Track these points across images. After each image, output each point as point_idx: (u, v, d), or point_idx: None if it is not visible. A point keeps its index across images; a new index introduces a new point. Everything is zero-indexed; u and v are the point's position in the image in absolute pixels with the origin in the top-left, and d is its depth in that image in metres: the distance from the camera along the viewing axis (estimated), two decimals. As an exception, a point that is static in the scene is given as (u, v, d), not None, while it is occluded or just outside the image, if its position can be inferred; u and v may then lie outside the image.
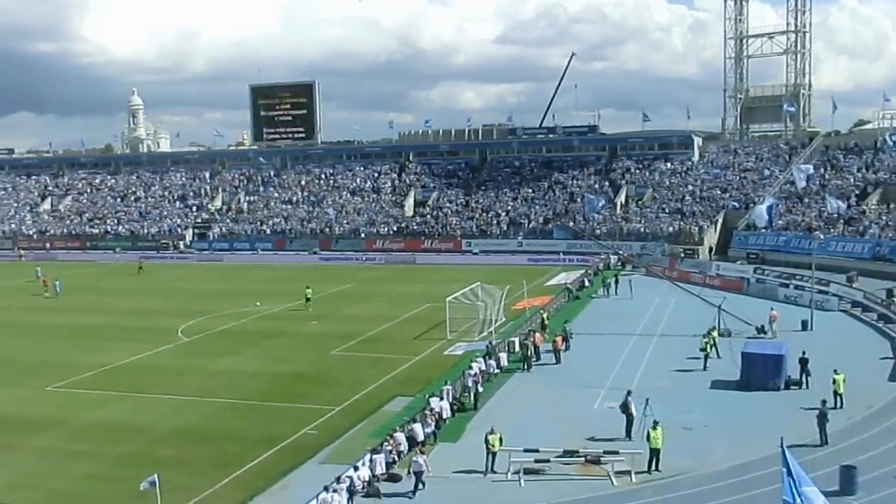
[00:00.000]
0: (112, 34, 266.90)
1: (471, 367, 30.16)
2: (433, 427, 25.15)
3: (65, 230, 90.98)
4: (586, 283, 54.78)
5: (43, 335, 43.84)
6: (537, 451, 22.59)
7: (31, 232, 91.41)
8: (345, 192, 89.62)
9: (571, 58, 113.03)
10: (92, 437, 26.96)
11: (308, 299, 49.22)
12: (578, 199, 78.07)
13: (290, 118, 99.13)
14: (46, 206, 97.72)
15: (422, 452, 22.22)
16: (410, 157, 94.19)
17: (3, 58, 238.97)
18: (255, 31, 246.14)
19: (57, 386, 33.28)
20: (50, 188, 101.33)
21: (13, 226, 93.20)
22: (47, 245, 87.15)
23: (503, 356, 34.13)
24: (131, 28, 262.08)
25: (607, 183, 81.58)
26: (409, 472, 21.83)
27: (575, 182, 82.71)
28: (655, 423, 22.65)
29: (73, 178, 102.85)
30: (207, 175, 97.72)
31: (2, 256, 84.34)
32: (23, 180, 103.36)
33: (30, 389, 32.99)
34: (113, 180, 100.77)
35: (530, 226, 77.51)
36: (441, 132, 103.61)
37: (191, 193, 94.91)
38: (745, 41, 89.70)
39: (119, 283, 64.07)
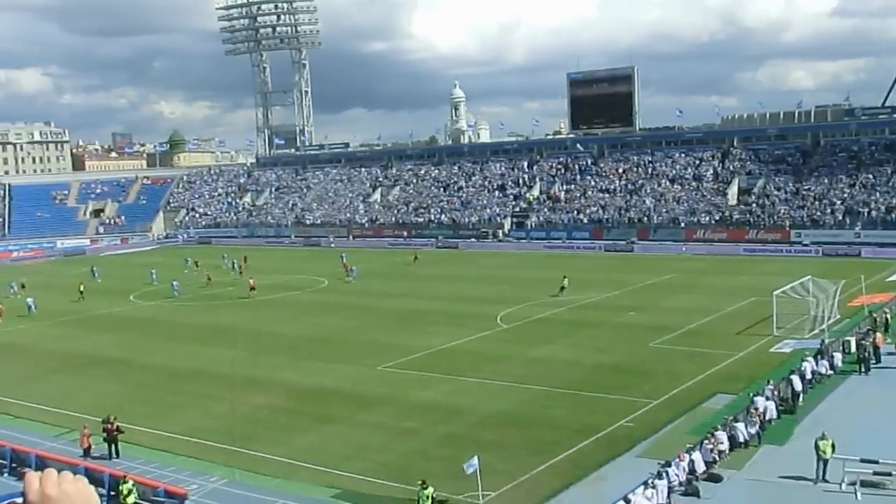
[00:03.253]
0: (438, 31, 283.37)
1: (801, 367, 28.53)
2: (757, 427, 24.18)
3: (392, 219, 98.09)
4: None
5: (373, 318, 47.70)
6: (876, 462, 20.92)
7: (363, 221, 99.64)
8: (664, 180, 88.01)
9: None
10: (419, 415, 29.08)
11: (563, 288, 51.02)
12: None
13: (607, 105, 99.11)
14: (377, 196, 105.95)
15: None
16: (735, 143, 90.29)
17: (343, 57, 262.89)
18: (573, 19, 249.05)
19: (387, 366, 36.22)
20: (380, 179, 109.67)
21: (348, 215, 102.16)
22: (351, 236, 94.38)
23: (837, 356, 31.87)
24: (455, 24, 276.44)
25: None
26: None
27: (928, 165, 74.59)
28: None
29: (401, 169, 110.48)
30: (525, 164, 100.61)
31: (340, 243, 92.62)
32: (356, 172, 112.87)
33: (363, 368, 36.23)
34: (436, 171, 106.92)
35: (870, 215, 71.17)
36: (768, 115, 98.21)
37: (509, 183, 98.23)
38: None
39: (440, 270, 67.94)
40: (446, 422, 28.31)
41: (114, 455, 26.38)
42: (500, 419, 28.18)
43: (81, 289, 58.44)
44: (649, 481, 19.80)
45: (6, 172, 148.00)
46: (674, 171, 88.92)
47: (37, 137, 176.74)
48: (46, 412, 32.05)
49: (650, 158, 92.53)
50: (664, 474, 20.60)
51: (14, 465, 26.93)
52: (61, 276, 68.70)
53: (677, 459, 21.64)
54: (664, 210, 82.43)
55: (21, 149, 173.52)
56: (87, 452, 26.39)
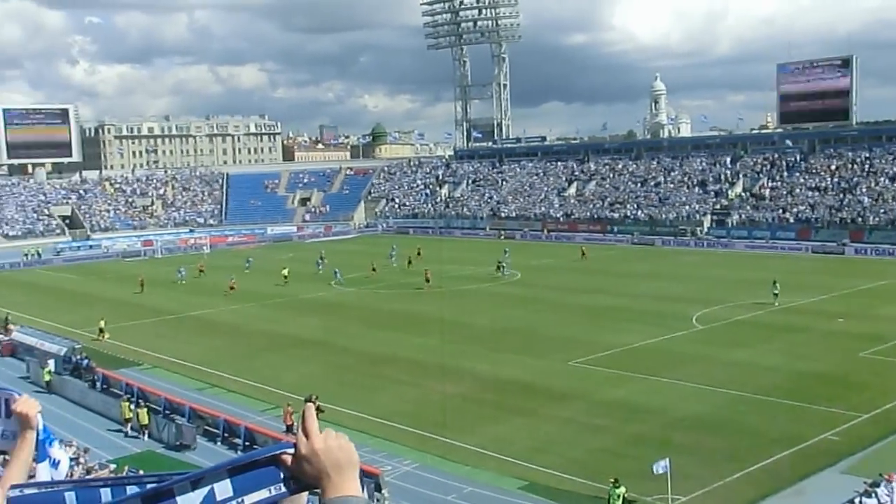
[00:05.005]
0: (639, 21, 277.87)
1: None
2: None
3: (587, 213, 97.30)
4: None
5: (564, 312, 47.58)
6: None
7: (557, 215, 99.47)
8: (882, 178, 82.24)
9: None
10: (609, 413, 28.86)
11: (775, 295, 46.99)
12: None
13: (820, 97, 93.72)
14: (572, 190, 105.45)
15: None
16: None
17: (541, 50, 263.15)
18: (786, 7, 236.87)
19: (578, 361, 36.10)
20: (576, 173, 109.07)
21: (542, 208, 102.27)
22: (545, 230, 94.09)
23: None
24: (659, 14, 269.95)
25: None
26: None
27: None
28: None
29: (597, 163, 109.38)
30: (728, 160, 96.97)
31: (533, 237, 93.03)
32: (552, 166, 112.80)
33: (554, 362, 36.30)
34: (634, 165, 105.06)
35: None
36: None
37: (710, 179, 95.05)
38: None
39: (634, 266, 66.79)
40: (637, 421, 27.93)
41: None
42: (692, 422, 27.49)
43: (286, 273, 61.88)
44: (855, 500, 18.72)
45: (224, 162, 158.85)
46: (894, 169, 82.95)
47: (252, 130, 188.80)
48: (255, 388, 34.32)
49: (868, 154, 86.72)
50: (872, 494, 19.41)
51: (226, 434, 29.08)
52: (270, 260, 72.97)
53: (887, 480, 20.32)
54: (882, 210, 77.06)
55: (238, 140, 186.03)
56: (289, 429, 28.01)
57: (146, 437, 29.58)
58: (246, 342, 43.31)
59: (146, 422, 29.73)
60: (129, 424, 30.15)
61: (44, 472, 3.42)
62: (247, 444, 27.72)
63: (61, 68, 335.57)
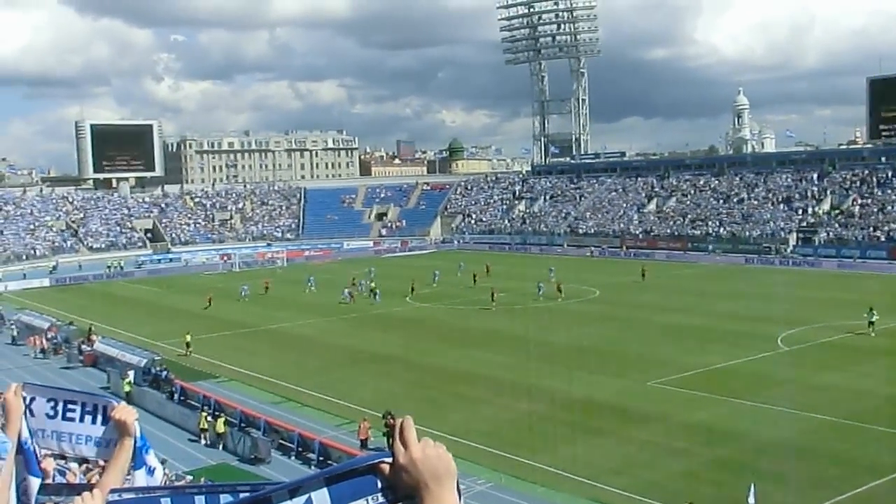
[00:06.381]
0: (723, 35, 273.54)
1: None
2: None
3: (668, 230, 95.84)
4: None
5: (644, 332, 46.76)
6: None
7: (637, 231, 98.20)
8: (982, 195, 79.11)
9: None
10: (689, 436, 28.19)
11: (871, 323, 43.12)
12: None
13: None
14: (652, 206, 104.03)
15: None
16: None
17: (621, 65, 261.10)
18: (877, 18, 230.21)
19: (658, 382, 35.41)
20: (656, 189, 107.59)
21: (621, 225, 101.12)
22: (624, 247, 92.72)
23: None
24: (742, 27, 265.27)
25: None
26: None
27: None
28: None
29: (678, 179, 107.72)
30: (815, 176, 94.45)
31: (611, 253, 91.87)
32: (631, 182, 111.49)
33: (633, 382, 35.66)
34: (716, 181, 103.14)
35: None
36: None
37: (796, 196, 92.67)
38: None
39: (716, 285, 65.43)
40: (719, 445, 27.21)
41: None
42: (777, 447, 26.62)
43: (372, 286, 62.53)
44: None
45: (302, 177, 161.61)
46: None
47: (330, 145, 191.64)
48: (329, 402, 34.57)
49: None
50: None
51: (300, 449, 29.28)
52: (345, 274, 73.64)
53: None
54: (982, 229, 74.04)
55: (316, 155, 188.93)
56: (364, 444, 28.08)
57: (221, 448, 30.02)
58: (319, 357, 43.69)
59: (222, 430, 30.22)
60: (206, 434, 30.69)
61: (140, 479, 3.49)
62: (320, 458, 27.86)
63: (147, 85, 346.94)
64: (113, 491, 2.72)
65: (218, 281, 78.73)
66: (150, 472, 3.60)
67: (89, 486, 2.83)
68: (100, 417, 3.48)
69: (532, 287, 60.41)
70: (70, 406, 3.54)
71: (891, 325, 45.56)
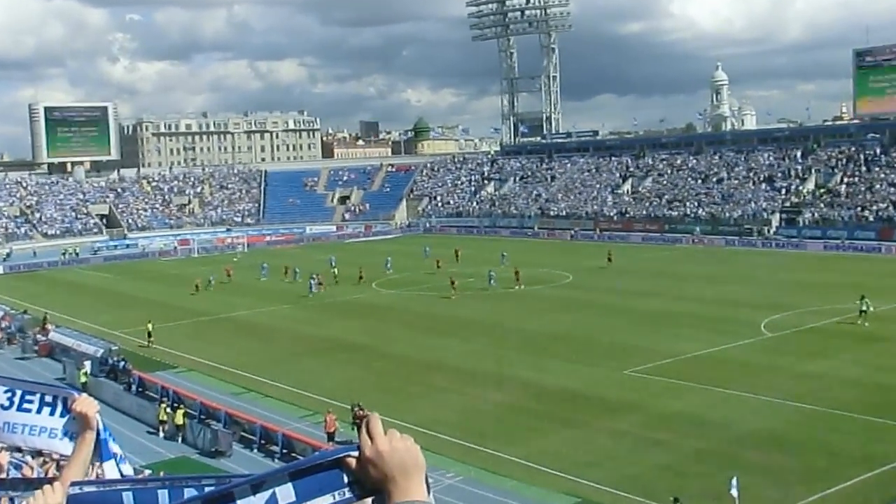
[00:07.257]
0: (700, 7, 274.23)
1: None
2: None
3: (644, 212, 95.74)
4: None
5: (620, 318, 46.37)
6: None
7: (611, 213, 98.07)
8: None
9: None
10: (668, 426, 27.91)
11: (863, 312, 41.72)
12: None
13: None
14: (627, 187, 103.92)
15: None
16: None
17: (593, 40, 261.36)
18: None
19: (634, 370, 35.10)
20: (631, 169, 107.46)
21: (595, 207, 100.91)
22: (598, 229, 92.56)
23: None
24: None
25: None
26: None
27: None
28: None
29: (654, 158, 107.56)
30: (799, 154, 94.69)
31: (584, 236, 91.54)
32: (605, 161, 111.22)
33: (609, 370, 35.35)
34: (694, 160, 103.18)
35: None
36: None
37: (779, 175, 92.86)
38: None
39: (695, 268, 65.22)
40: (698, 436, 26.94)
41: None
42: (762, 438, 26.40)
43: (336, 273, 62.41)
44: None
45: (262, 160, 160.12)
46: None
47: (291, 126, 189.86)
48: (292, 392, 34.13)
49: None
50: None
51: (263, 441, 28.82)
52: (309, 260, 72.69)
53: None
54: (968, 208, 74.61)
55: (277, 137, 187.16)
56: (331, 436, 27.53)
57: (181, 441, 29.72)
58: (282, 346, 43.13)
59: (181, 423, 29.92)
60: (165, 427, 30.34)
61: (112, 470, 3.51)
62: (284, 451, 27.56)
63: (102, 66, 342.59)
64: (73, 484, 2.68)
65: (174, 267, 77.90)
66: (122, 459, 3.64)
67: (49, 480, 2.75)
68: (59, 409, 3.54)
69: (505, 271, 59.84)
70: (28, 397, 3.59)
71: (880, 309, 45.53)
